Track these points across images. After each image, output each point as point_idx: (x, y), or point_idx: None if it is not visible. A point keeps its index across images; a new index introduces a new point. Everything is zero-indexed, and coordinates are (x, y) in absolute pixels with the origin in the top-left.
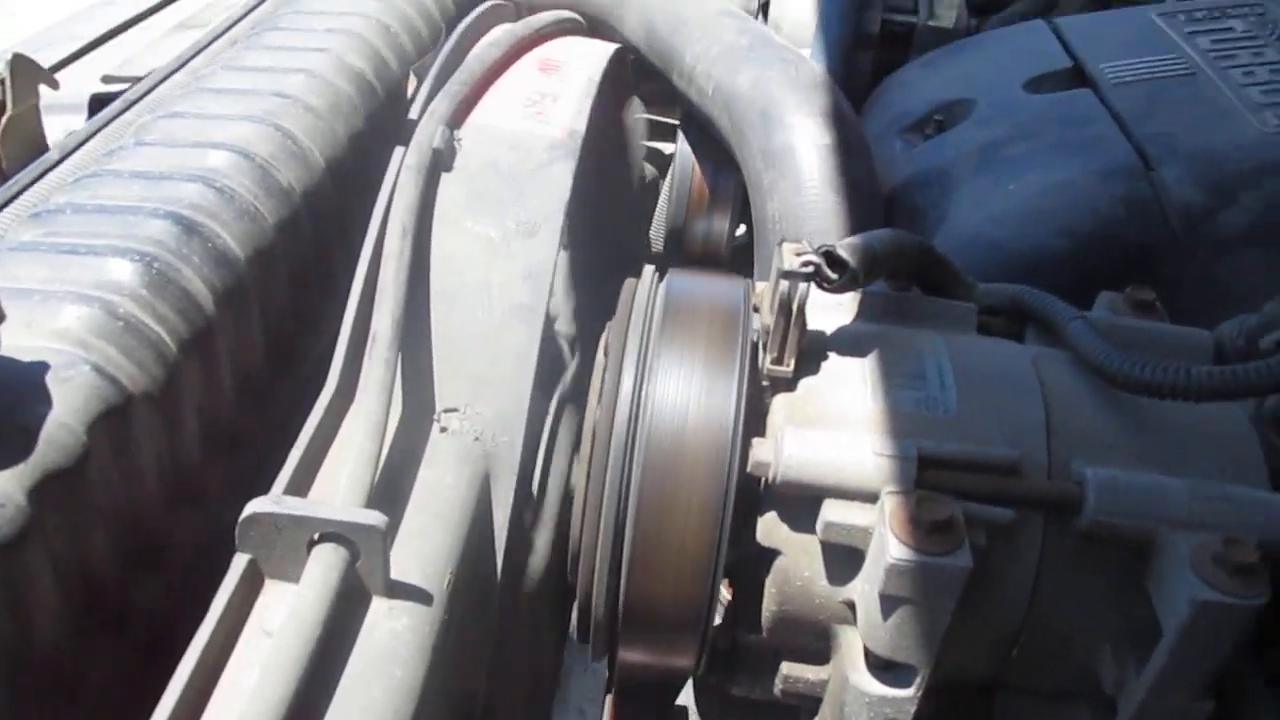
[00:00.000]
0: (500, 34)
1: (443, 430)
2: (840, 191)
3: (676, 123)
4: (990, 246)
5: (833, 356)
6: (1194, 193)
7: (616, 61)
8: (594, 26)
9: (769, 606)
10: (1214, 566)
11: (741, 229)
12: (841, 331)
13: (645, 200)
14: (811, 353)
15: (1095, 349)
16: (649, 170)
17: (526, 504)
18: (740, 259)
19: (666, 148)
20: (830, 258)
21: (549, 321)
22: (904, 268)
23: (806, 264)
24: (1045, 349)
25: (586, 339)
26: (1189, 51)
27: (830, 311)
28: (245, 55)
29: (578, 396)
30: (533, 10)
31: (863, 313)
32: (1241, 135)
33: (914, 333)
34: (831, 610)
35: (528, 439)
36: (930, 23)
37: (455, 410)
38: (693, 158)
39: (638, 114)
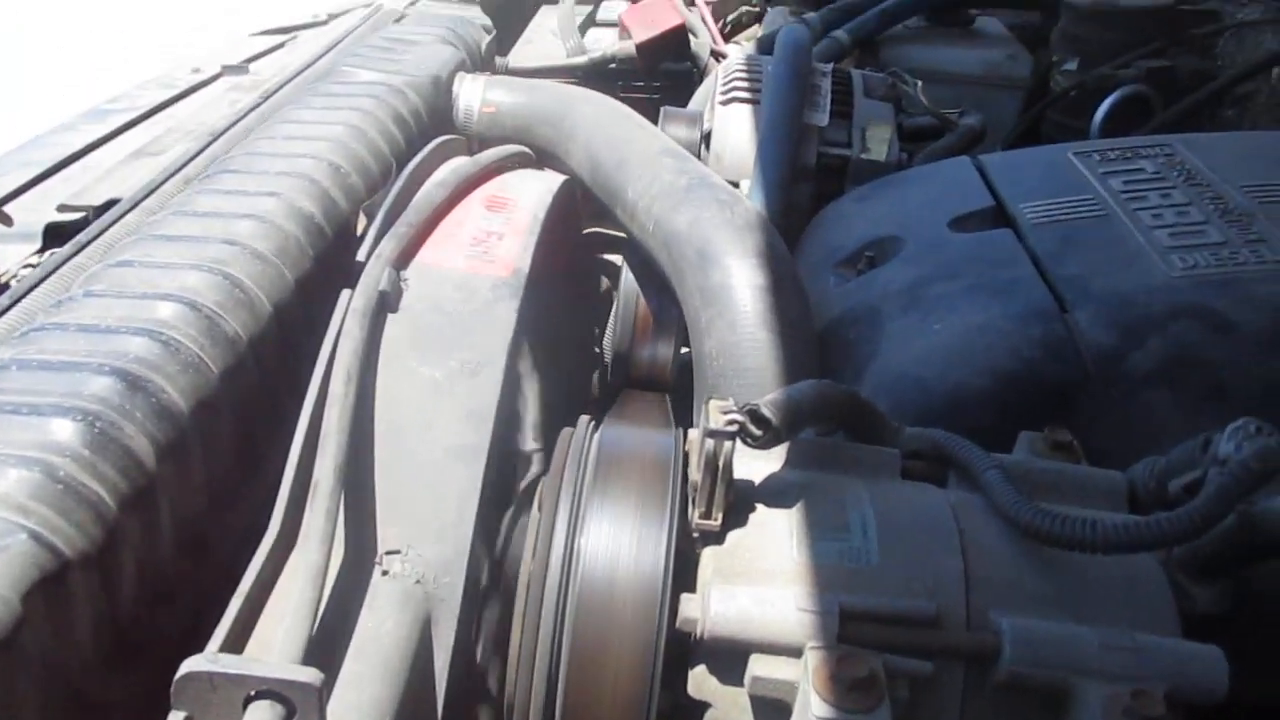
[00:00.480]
0: (448, 173)
1: (384, 573)
2: (774, 329)
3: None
4: (917, 385)
5: (760, 508)
6: (1106, 335)
7: (564, 193)
8: (543, 158)
9: None
10: (1123, 719)
11: (685, 350)
12: (769, 481)
13: (599, 311)
14: (739, 504)
15: (1007, 501)
16: (602, 282)
17: (468, 647)
18: (685, 378)
19: (619, 258)
20: (754, 416)
21: (506, 451)
22: (829, 416)
23: (731, 423)
24: (965, 495)
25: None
26: (1102, 192)
27: (760, 458)
28: (196, 200)
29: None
30: (484, 144)
31: (790, 460)
32: (1150, 278)
33: (839, 481)
34: None
35: (471, 579)
36: (863, 156)
37: (397, 552)
38: (637, 287)
39: (585, 238)
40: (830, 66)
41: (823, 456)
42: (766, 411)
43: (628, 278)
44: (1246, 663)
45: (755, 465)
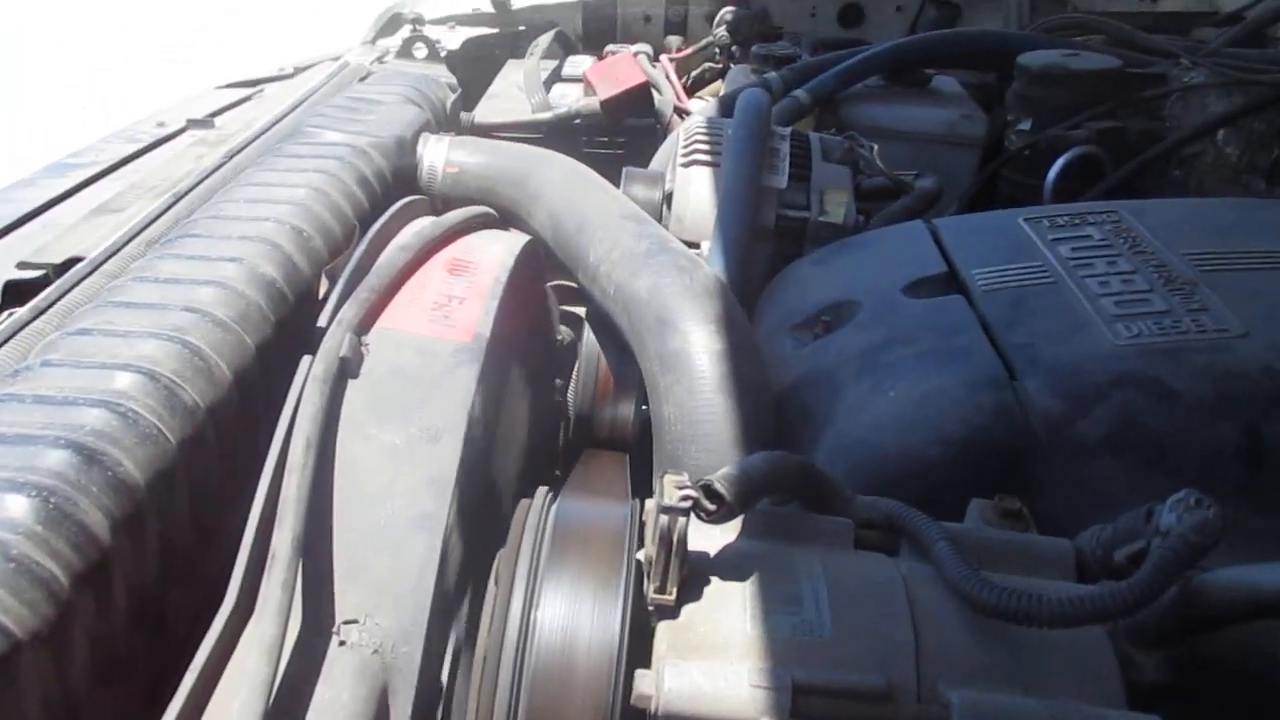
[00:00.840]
0: (410, 236)
1: (341, 643)
2: (731, 395)
3: None
4: (871, 452)
5: (715, 581)
6: (1054, 403)
7: (527, 254)
8: (507, 218)
9: None
10: None
11: (646, 408)
12: (724, 553)
13: (563, 364)
14: (694, 577)
15: (956, 573)
16: (566, 334)
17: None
18: (647, 437)
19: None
20: (708, 491)
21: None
22: (784, 487)
23: (685, 498)
24: (917, 565)
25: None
26: (1051, 259)
27: (716, 529)
28: (156, 264)
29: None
30: (448, 204)
31: (746, 531)
32: (1096, 347)
33: (793, 552)
34: None
35: (429, 648)
36: (821, 218)
37: (355, 622)
38: (598, 347)
39: (550, 297)
40: (789, 130)
41: (778, 527)
42: (720, 486)
43: (589, 338)
44: None
45: (712, 535)
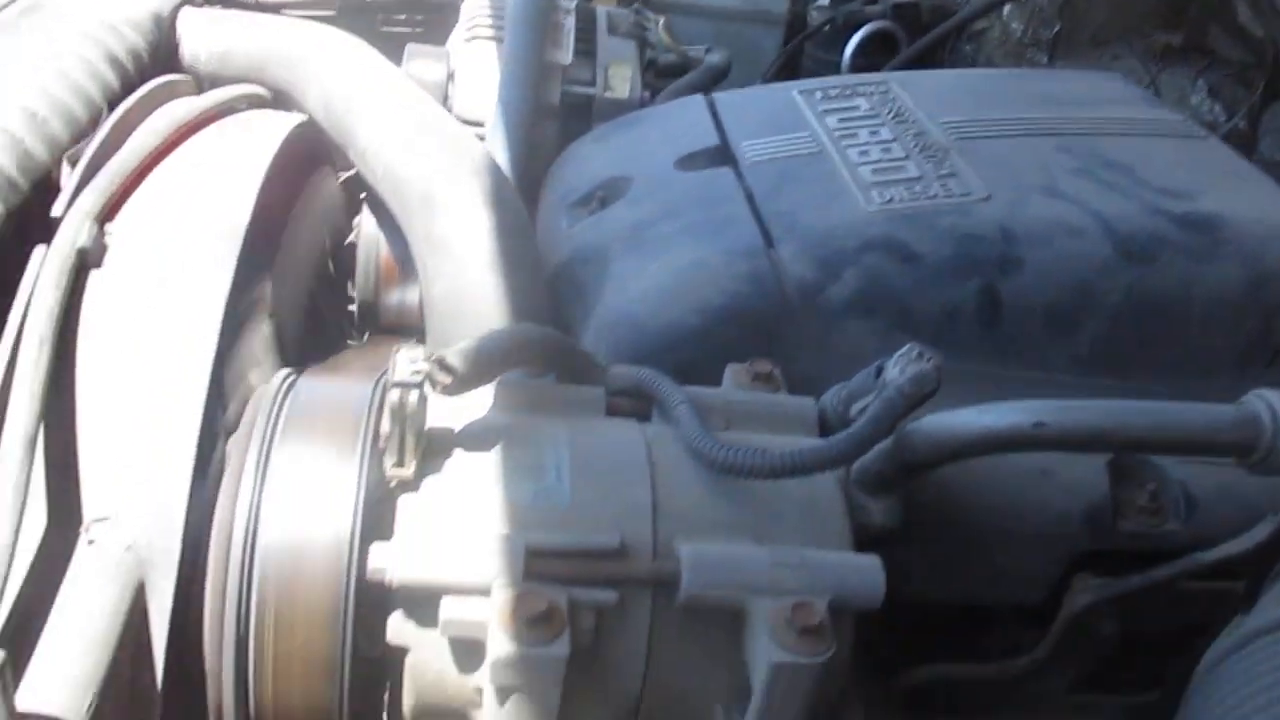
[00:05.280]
0: (162, 119)
1: (90, 543)
2: (500, 272)
3: None
4: (634, 325)
5: (457, 453)
6: (806, 268)
7: (298, 136)
8: (279, 99)
9: (408, 701)
10: (786, 629)
11: None
12: (469, 427)
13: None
14: (436, 450)
15: (691, 434)
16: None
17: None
18: None
19: None
20: (441, 364)
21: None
22: (529, 360)
23: (416, 372)
24: (663, 429)
25: None
26: (819, 130)
27: (471, 403)
28: None
29: None
30: (215, 84)
31: (496, 403)
32: (849, 213)
33: (540, 422)
34: (467, 698)
35: (190, 536)
36: (606, 94)
37: (105, 519)
38: (379, 232)
39: (329, 182)
40: (574, 3)
41: (529, 398)
42: (452, 360)
43: (367, 224)
44: (925, 568)
45: (461, 410)
